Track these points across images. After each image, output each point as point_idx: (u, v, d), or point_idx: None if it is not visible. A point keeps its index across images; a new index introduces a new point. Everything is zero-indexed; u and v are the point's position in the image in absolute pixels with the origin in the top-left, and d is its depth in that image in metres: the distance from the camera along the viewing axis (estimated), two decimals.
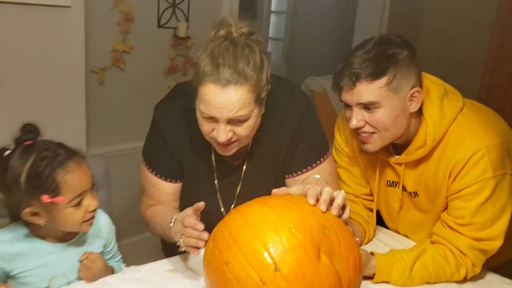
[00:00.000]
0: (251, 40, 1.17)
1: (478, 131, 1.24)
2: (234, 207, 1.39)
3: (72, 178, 1.08)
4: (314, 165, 1.38)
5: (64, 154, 1.09)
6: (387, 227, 1.56)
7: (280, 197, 1.05)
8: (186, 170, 1.38)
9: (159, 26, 2.84)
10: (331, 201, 1.00)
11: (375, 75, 1.19)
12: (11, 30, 1.80)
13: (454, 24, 3.39)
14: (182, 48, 2.94)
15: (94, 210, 1.14)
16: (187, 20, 2.94)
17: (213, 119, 1.19)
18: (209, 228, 1.05)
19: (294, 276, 0.89)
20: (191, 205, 1.12)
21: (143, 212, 1.40)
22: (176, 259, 1.28)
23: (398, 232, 1.53)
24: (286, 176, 1.39)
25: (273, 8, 5.99)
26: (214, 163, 1.38)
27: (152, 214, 1.35)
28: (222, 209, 1.41)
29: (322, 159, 1.40)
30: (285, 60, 6.18)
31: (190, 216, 1.10)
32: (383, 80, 1.20)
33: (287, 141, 1.35)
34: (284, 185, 1.34)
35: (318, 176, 1.30)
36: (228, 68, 1.12)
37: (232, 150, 1.26)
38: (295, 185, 1.08)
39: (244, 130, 1.21)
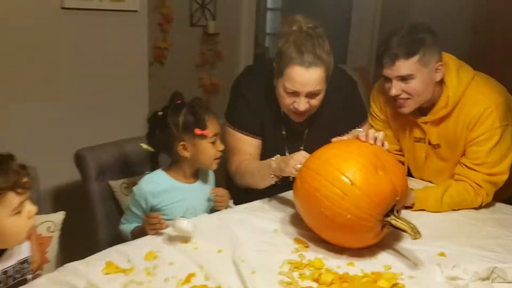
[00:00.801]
0: (317, 32, 1.56)
1: (487, 92, 1.66)
2: None
3: (213, 120, 1.51)
4: (356, 127, 1.75)
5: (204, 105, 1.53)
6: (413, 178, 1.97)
7: (339, 142, 1.47)
8: (264, 130, 1.75)
9: (191, 25, 3.21)
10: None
11: (410, 54, 1.60)
12: (91, 31, 2.15)
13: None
14: (211, 43, 3.31)
15: (221, 151, 1.54)
16: (214, 18, 3.31)
17: (294, 94, 1.58)
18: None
19: (364, 186, 1.28)
20: None
21: (234, 168, 1.75)
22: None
23: (422, 179, 1.93)
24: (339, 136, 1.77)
25: (268, 5, 6.29)
26: (284, 129, 1.77)
27: (246, 165, 1.70)
28: None
29: (363, 123, 1.79)
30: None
31: (303, 156, 1.46)
32: (416, 58, 1.60)
33: (340, 110, 1.75)
34: None
35: (360, 129, 1.68)
36: (309, 53, 1.51)
37: (304, 117, 1.65)
38: None
39: (316, 102, 1.61)
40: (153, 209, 1.52)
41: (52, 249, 1.56)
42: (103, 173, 1.82)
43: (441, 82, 1.71)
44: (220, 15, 3.33)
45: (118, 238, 1.63)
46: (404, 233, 1.34)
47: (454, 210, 1.68)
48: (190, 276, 1.20)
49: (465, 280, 1.20)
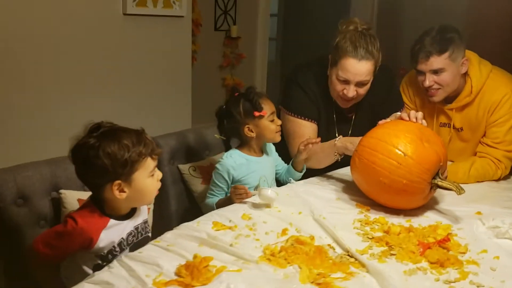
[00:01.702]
0: (370, 32, 1.85)
1: (504, 82, 1.99)
2: None
3: (267, 101, 1.79)
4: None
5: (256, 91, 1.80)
6: None
7: (387, 123, 1.75)
8: (319, 116, 2.02)
9: (216, 29, 3.48)
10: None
11: (442, 51, 1.91)
12: (143, 34, 2.41)
13: None
14: (233, 46, 3.59)
15: (279, 126, 1.81)
16: (234, 23, 3.59)
17: (345, 82, 1.86)
18: None
19: (415, 155, 1.56)
20: None
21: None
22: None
23: None
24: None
25: None
26: (334, 114, 2.05)
27: None
28: None
29: (401, 109, 2.09)
30: (279, 58, 6.77)
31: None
32: (447, 54, 1.91)
33: (381, 99, 2.04)
34: None
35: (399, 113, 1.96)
36: (362, 48, 1.80)
37: (350, 104, 1.94)
38: None
39: (363, 91, 1.89)
40: (234, 181, 1.78)
41: (149, 221, 1.80)
42: (173, 158, 2.07)
43: (465, 74, 2.02)
44: (240, 20, 3.61)
45: (188, 213, 1.89)
46: (445, 198, 1.65)
47: (478, 182, 1.99)
48: (285, 230, 1.47)
49: (504, 227, 1.49)
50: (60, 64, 2.10)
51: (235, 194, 1.68)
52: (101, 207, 1.35)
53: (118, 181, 1.29)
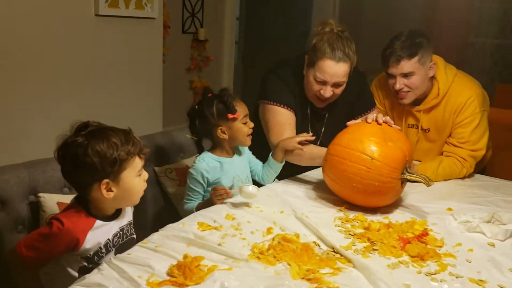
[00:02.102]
0: (345, 35, 1.91)
1: (469, 85, 2.10)
2: (319, 139, 2.10)
3: (240, 103, 1.80)
4: (367, 112, 2.11)
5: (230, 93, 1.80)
6: None
7: (352, 126, 1.79)
8: (296, 105, 2.03)
9: (183, 32, 3.47)
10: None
11: (412, 55, 1.99)
12: (115, 35, 2.38)
13: None
14: (201, 49, 3.59)
15: (251, 129, 1.83)
16: (202, 26, 3.60)
17: (323, 83, 1.90)
18: None
19: (381, 157, 1.62)
20: None
21: (276, 140, 1.92)
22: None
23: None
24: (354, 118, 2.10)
25: None
26: (309, 111, 2.09)
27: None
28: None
29: (373, 109, 2.16)
30: (241, 60, 6.80)
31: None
32: (416, 58, 2.00)
33: (354, 99, 2.10)
34: None
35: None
36: (340, 51, 1.85)
37: (325, 104, 1.99)
38: None
39: (339, 91, 1.95)
40: (209, 184, 1.79)
41: None
42: (149, 160, 2.06)
43: (432, 77, 2.12)
44: (207, 23, 3.62)
45: (165, 216, 1.89)
46: (417, 196, 1.74)
47: (445, 180, 2.09)
48: (269, 229, 1.50)
49: (475, 222, 1.58)
50: (31, 65, 2.04)
51: (215, 195, 1.69)
52: (87, 208, 1.33)
53: (106, 180, 1.28)
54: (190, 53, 3.54)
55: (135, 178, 1.33)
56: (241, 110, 1.81)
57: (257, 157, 1.99)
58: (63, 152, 1.27)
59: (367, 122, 1.75)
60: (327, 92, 1.92)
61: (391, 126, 1.76)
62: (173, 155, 2.15)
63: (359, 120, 1.86)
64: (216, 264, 1.26)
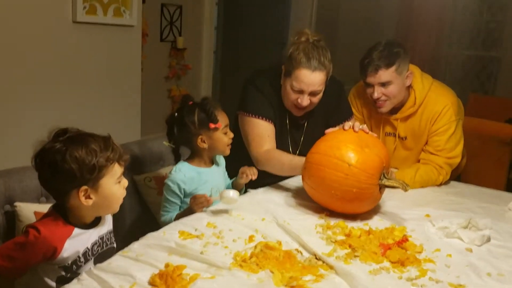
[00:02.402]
0: (321, 44, 1.93)
1: (444, 94, 2.15)
2: (299, 148, 2.13)
3: (222, 113, 1.80)
4: (345, 121, 2.11)
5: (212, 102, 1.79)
6: None
7: (330, 134, 1.80)
8: (275, 117, 2.04)
9: (161, 40, 3.46)
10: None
11: (389, 65, 2.03)
12: (93, 42, 2.36)
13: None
14: (179, 57, 3.58)
15: (231, 139, 1.82)
16: (180, 34, 3.59)
17: (299, 92, 1.92)
18: None
19: (359, 164, 1.63)
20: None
21: (256, 153, 1.95)
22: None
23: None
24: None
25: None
26: (288, 121, 2.10)
27: (278, 155, 1.95)
28: (290, 149, 2.12)
29: (350, 118, 2.18)
30: (218, 69, 6.80)
31: None
32: (394, 68, 2.04)
33: (332, 107, 2.12)
34: None
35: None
36: (315, 60, 1.87)
37: (303, 112, 2.00)
38: None
39: (316, 99, 1.96)
40: (186, 194, 1.78)
41: None
42: (127, 169, 2.03)
43: (409, 87, 2.16)
44: (185, 31, 3.62)
45: (143, 225, 1.87)
46: (395, 203, 1.76)
47: (422, 187, 2.12)
48: (251, 237, 1.50)
49: (452, 227, 1.61)
50: (7, 71, 2.00)
51: (195, 204, 1.67)
52: (65, 215, 1.31)
53: (85, 187, 1.26)
54: (168, 62, 3.52)
55: (114, 185, 1.31)
56: (222, 119, 1.80)
57: (234, 166, 1.98)
58: (40, 158, 1.24)
59: (344, 130, 1.77)
60: (305, 100, 1.94)
61: (363, 131, 1.78)
62: (152, 164, 2.13)
63: (337, 128, 1.87)
64: (199, 273, 1.25)
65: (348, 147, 1.67)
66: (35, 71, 2.10)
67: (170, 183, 1.79)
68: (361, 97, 2.31)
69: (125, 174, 1.98)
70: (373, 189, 1.67)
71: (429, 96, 2.15)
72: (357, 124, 1.78)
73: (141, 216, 2.04)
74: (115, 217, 2.02)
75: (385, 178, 1.70)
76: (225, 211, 1.67)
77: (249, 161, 1.98)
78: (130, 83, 2.55)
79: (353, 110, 2.33)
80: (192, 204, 1.69)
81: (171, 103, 3.53)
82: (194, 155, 1.84)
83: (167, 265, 1.26)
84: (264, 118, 2.02)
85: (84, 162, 1.23)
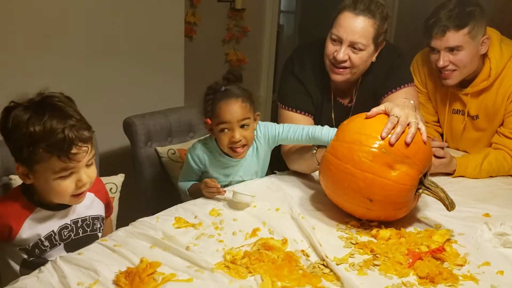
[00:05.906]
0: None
1: None
2: None
3: (228, 107, 1.46)
4: (398, 88, 1.74)
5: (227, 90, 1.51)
6: None
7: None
8: (315, 107, 1.80)
9: (219, 0, 3.23)
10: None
11: (460, 26, 1.65)
12: (130, 4, 2.17)
13: None
14: (238, 18, 3.34)
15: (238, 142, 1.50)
16: None
17: (338, 42, 1.61)
18: None
19: (382, 197, 1.33)
20: None
21: (287, 150, 1.71)
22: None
23: (457, 149, 2.00)
24: (380, 99, 1.76)
25: None
26: (332, 103, 1.82)
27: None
28: None
29: (406, 85, 1.76)
30: (297, 32, 6.47)
31: None
32: (466, 30, 1.66)
33: (382, 81, 1.77)
34: None
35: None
36: (363, 4, 1.55)
37: (341, 76, 1.66)
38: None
39: (357, 59, 1.62)
40: (205, 171, 1.59)
41: (114, 210, 1.63)
42: (151, 140, 1.89)
43: (483, 55, 1.76)
44: None
45: (166, 198, 1.70)
46: (452, 195, 1.40)
47: (491, 176, 1.75)
48: (255, 230, 1.28)
49: None
50: (41, 37, 1.90)
51: (205, 190, 1.48)
52: (30, 194, 1.18)
53: (18, 163, 1.13)
54: (226, 23, 3.30)
55: (51, 178, 1.12)
56: (225, 116, 1.46)
57: (276, 161, 1.75)
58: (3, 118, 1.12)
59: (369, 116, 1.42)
60: (342, 52, 1.60)
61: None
62: (181, 135, 1.97)
63: (381, 107, 1.43)
64: (175, 273, 1.07)
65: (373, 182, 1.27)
66: (71, 36, 1.99)
67: (188, 156, 1.60)
68: (426, 65, 1.94)
69: (147, 145, 1.88)
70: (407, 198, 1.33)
71: (509, 67, 1.74)
72: (395, 134, 1.30)
73: (163, 191, 1.90)
74: (135, 192, 1.91)
75: (424, 186, 1.33)
76: (238, 203, 1.45)
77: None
78: (172, 46, 2.38)
79: (416, 82, 1.95)
80: (203, 189, 1.50)
81: (228, 68, 3.33)
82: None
83: (141, 261, 1.10)
84: (301, 112, 1.75)
85: (21, 136, 1.08)
